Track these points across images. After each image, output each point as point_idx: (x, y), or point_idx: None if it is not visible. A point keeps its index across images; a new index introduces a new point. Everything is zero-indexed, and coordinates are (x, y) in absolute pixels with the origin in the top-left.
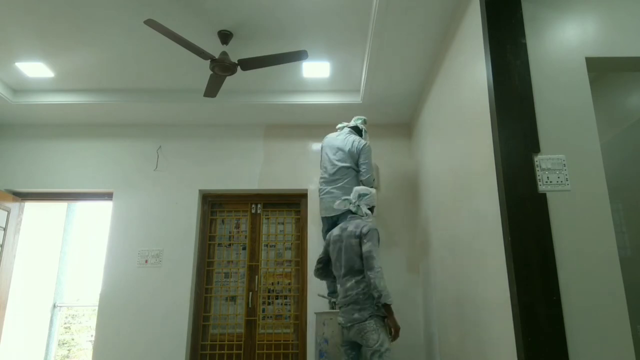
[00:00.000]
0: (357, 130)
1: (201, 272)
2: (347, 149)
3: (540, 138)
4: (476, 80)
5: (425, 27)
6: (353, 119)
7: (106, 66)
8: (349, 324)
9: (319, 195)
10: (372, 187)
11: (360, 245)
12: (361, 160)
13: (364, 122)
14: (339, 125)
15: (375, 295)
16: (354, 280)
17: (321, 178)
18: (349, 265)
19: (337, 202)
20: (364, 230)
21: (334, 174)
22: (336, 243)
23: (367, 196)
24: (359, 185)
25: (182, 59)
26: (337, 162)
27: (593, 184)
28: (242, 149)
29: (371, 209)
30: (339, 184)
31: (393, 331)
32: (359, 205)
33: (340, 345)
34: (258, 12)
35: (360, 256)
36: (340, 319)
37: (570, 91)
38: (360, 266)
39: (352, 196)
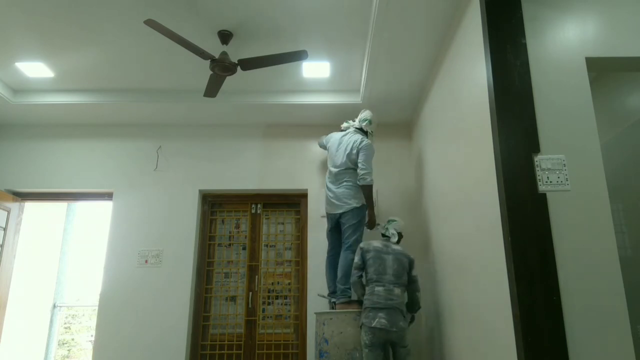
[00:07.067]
0: (363, 132)
1: (201, 272)
2: (348, 150)
3: (540, 138)
4: (476, 80)
5: (425, 27)
6: (359, 117)
7: (106, 66)
8: (393, 329)
9: (326, 191)
10: (369, 184)
11: (410, 267)
12: (360, 159)
13: (370, 122)
14: (344, 125)
15: (417, 308)
16: (400, 290)
17: (328, 175)
18: (397, 274)
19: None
20: (413, 257)
21: (336, 174)
22: (380, 253)
23: (396, 222)
24: (359, 184)
25: (182, 59)
26: (339, 163)
27: (593, 184)
28: (242, 148)
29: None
30: (342, 184)
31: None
32: (387, 228)
33: (367, 346)
34: (258, 12)
35: (408, 274)
36: (383, 322)
37: (570, 91)
38: (405, 281)
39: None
